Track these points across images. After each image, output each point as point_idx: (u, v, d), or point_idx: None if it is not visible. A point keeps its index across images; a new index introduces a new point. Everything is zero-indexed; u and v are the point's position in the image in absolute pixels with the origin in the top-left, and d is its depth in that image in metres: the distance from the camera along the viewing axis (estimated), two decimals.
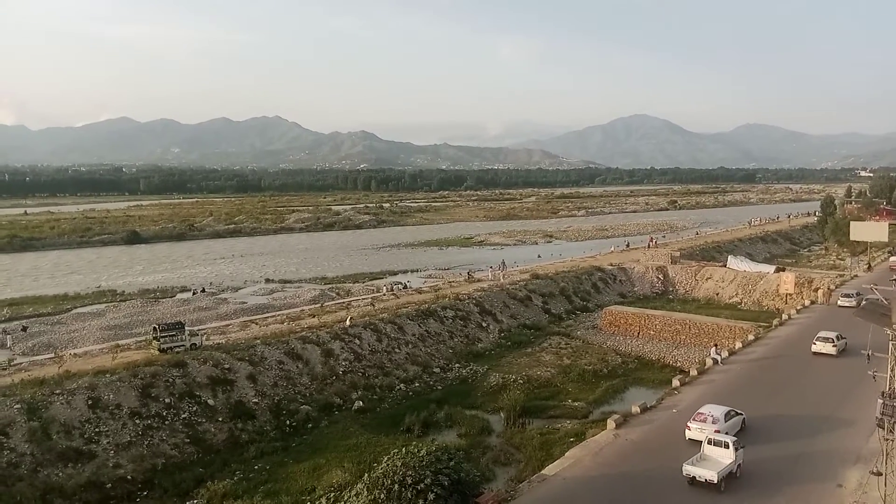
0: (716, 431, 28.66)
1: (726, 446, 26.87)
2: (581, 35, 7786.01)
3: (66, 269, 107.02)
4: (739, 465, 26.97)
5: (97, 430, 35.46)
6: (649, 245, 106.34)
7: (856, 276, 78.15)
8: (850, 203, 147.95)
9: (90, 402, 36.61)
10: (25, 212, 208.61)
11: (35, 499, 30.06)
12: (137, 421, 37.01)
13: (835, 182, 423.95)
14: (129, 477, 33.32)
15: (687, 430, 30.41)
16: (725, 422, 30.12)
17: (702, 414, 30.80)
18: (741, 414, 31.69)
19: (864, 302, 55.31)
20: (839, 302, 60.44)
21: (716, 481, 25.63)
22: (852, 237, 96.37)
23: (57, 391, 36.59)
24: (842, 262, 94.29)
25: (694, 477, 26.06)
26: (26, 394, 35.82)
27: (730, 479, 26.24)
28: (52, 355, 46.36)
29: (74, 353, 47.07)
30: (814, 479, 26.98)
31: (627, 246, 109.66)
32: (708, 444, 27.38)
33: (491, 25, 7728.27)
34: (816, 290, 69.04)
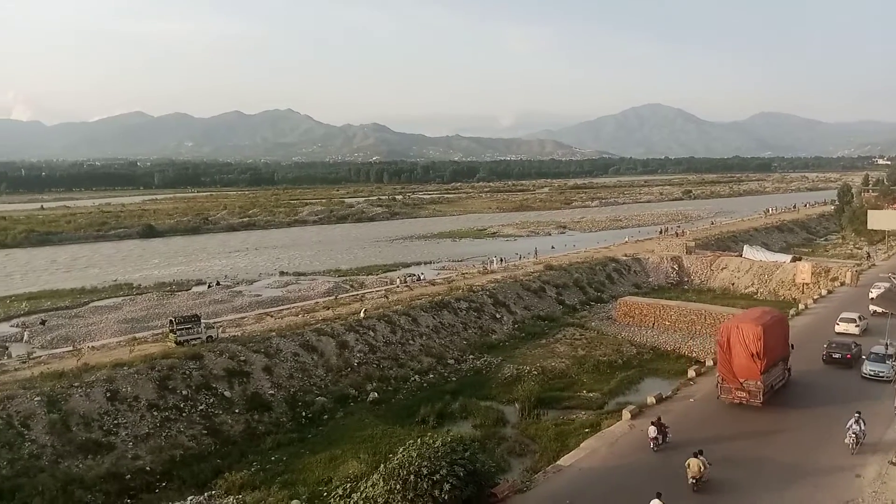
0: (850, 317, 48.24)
1: (853, 321, 47.33)
2: (593, 23, 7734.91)
3: (82, 263, 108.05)
4: (865, 329, 46.83)
5: (116, 422, 35.85)
6: (667, 232, 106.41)
7: (874, 265, 77.34)
8: (868, 191, 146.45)
9: (108, 395, 37.00)
10: (42, 206, 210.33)
11: (56, 489, 30.40)
12: (155, 413, 37.36)
13: (852, 170, 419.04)
14: (147, 468, 33.68)
15: (836, 326, 47.82)
16: (859, 321, 47.75)
17: (844, 314, 49.03)
18: (866, 318, 48.66)
19: None
20: None
21: (858, 332, 46.00)
22: (870, 226, 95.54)
23: (76, 384, 37.00)
24: (859, 251, 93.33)
25: (843, 332, 46.27)
26: (46, 386, 36.24)
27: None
28: (71, 348, 47.01)
29: (92, 346, 47.58)
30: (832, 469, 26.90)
31: (660, 233, 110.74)
32: (841, 321, 47.60)
33: (502, 14, 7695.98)
34: (834, 279, 68.49)
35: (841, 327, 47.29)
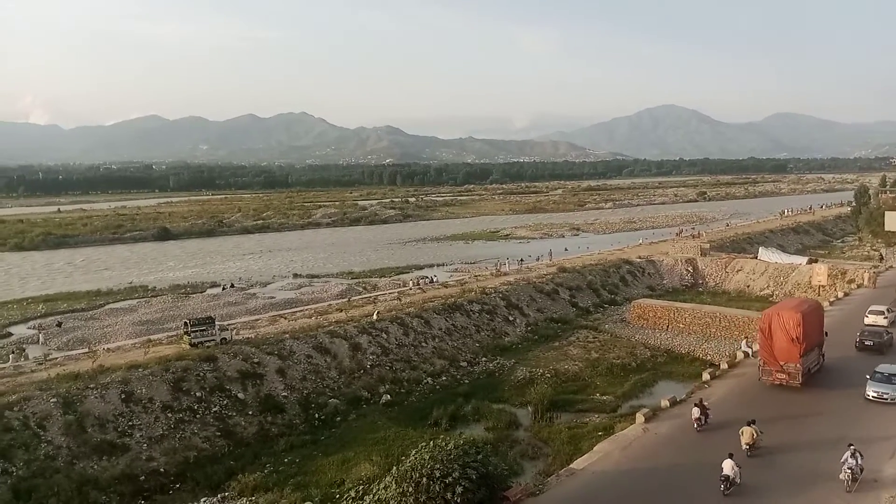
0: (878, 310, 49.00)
1: (881, 313, 47.88)
2: (607, 24, 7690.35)
3: (98, 266, 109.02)
4: (893, 322, 47.13)
5: (130, 423, 36.10)
6: (682, 234, 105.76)
7: (891, 266, 76.45)
8: (885, 193, 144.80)
9: (123, 396, 37.27)
10: (59, 209, 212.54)
11: (71, 490, 30.66)
12: (169, 414, 37.59)
13: (868, 171, 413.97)
14: (161, 469, 33.89)
15: (865, 318, 48.36)
16: (887, 313, 48.33)
17: (873, 307, 49.75)
18: (894, 311, 49.10)
19: None
20: None
21: (886, 325, 45.94)
22: (887, 227, 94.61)
23: (91, 385, 37.29)
24: (876, 252, 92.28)
25: (872, 323, 46.61)
26: (62, 388, 36.56)
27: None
28: (87, 350, 47.34)
29: (108, 348, 47.96)
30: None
31: (678, 234, 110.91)
32: (870, 313, 48.27)
33: (515, 15, 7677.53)
34: (850, 281, 67.81)
35: (870, 319, 48.42)
